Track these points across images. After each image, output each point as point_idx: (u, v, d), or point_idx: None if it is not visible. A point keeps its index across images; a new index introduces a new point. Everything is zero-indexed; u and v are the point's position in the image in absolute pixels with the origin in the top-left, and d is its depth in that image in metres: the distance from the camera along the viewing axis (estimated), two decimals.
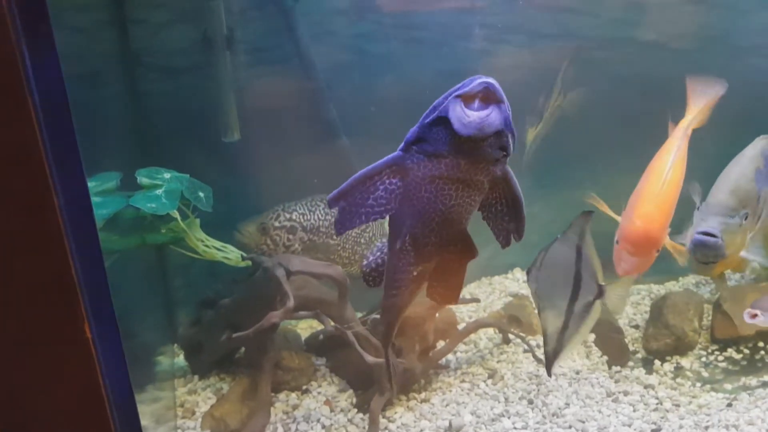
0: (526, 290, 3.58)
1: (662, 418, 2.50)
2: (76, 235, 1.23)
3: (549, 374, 2.44)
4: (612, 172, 2.81)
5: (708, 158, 2.39)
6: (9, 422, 1.22)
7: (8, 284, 1.14)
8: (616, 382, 2.78)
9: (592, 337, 3.10)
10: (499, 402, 2.64)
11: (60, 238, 1.21)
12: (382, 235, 3.01)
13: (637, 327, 3.21)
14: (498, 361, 2.93)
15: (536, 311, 2.95)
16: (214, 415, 2.51)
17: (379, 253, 1.74)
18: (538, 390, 2.70)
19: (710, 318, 3.05)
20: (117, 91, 2.77)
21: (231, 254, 2.60)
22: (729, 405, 2.57)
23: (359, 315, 2.78)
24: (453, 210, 1.45)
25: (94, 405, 1.32)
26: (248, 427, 2.47)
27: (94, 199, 2.02)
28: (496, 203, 1.52)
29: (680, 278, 3.55)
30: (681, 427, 2.42)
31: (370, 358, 2.49)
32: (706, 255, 1.95)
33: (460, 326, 3.02)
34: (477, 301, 3.00)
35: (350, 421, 2.56)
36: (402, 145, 1.45)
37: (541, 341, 3.03)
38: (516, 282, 3.73)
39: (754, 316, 2.20)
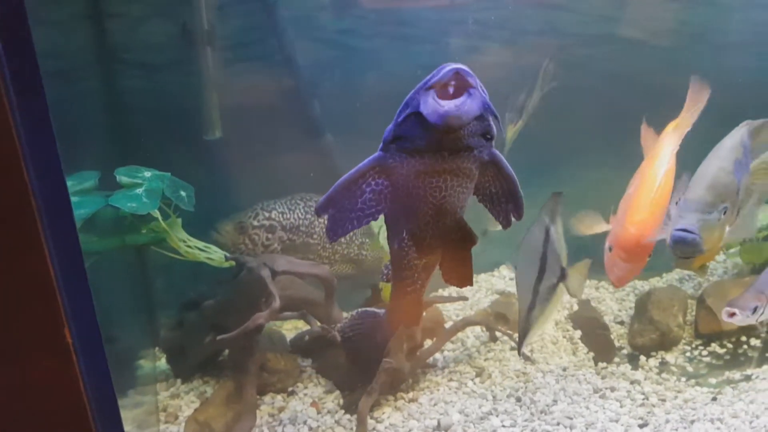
0: (512, 288, 3.58)
1: (649, 413, 2.51)
2: (54, 237, 1.19)
3: (519, 353, 2.56)
4: (598, 170, 2.82)
5: (690, 157, 2.41)
6: None
7: None
8: (603, 378, 2.78)
9: (578, 333, 3.12)
10: (487, 400, 2.63)
11: (38, 240, 1.17)
12: (362, 233, 2.98)
13: (622, 323, 3.23)
14: (485, 359, 2.92)
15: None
16: (198, 420, 2.45)
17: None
18: (526, 387, 2.70)
19: (694, 313, 3.07)
20: (94, 87, 2.69)
21: (214, 255, 2.55)
22: (714, 399, 2.59)
23: (346, 315, 2.75)
24: (445, 201, 1.43)
25: (76, 412, 1.29)
26: (233, 430, 2.42)
27: (72, 199, 1.96)
28: (490, 186, 1.51)
29: (664, 274, 3.58)
30: (667, 421, 2.43)
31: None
32: (685, 251, 1.93)
33: (447, 325, 3.01)
34: (465, 299, 2.99)
35: (337, 422, 2.52)
36: (381, 144, 1.42)
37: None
38: (502, 279, 3.73)
39: (732, 314, 2.22)
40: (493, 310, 3.08)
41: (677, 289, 3.18)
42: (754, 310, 2.22)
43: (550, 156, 3.21)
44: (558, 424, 2.45)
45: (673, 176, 2.25)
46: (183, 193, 2.36)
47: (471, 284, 1.60)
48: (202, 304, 2.64)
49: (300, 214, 2.85)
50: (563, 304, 3.40)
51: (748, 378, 2.73)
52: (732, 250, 3.24)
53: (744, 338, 2.93)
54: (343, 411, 2.58)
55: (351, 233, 2.96)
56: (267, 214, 2.80)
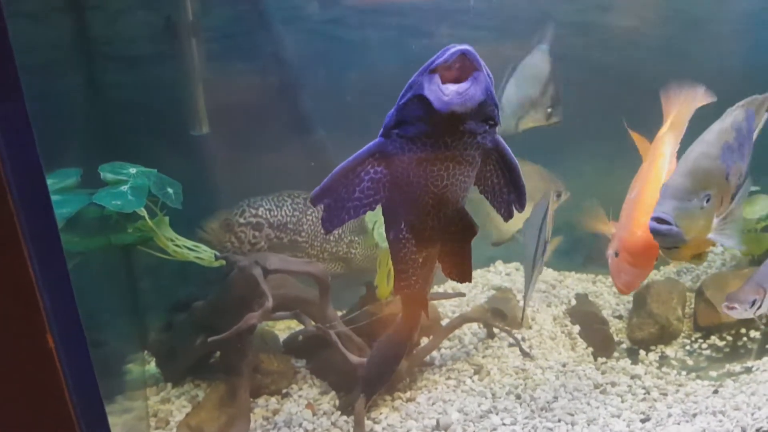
0: (509, 283, 3.55)
1: (650, 407, 2.48)
2: (34, 238, 1.15)
3: (524, 307, 2.77)
4: (592, 162, 2.78)
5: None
6: None
7: None
8: (603, 373, 2.75)
9: (577, 328, 3.09)
10: (486, 398, 2.58)
11: (17, 241, 1.11)
12: (351, 231, 2.92)
13: (620, 317, 3.20)
14: (483, 356, 2.88)
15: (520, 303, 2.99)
16: (190, 424, 2.38)
17: None
18: (526, 384, 2.66)
19: (693, 306, 3.06)
20: (74, 82, 2.59)
21: (203, 254, 2.47)
22: (715, 392, 2.57)
23: (340, 314, 2.69)
24: (447, 190, 1.38)
25: (61, 420, 1.25)
26: None
27: (54, 198, 1.87)
28: (492, 175, 1.46)
29: (661, 267, 3.55)
30: (669, 415, 2.41)
31: (353, 359, 2.40)
32: (664, 241, 1.84)
33: (444, 322, 2.97)
34: (462, 295, 2.94)
35: (334, 424, 2.47)
36: (381, 130, 1.37)
37: (526, 335, 3.02)
38: (498, 275, 3.69)
39: (732, 308, 2.19)
40: (490, 306, 3.04)
41: (676, 282, 3.16)
42: (753, 303, 2.19)
43: (542, 147, 3.16)
44: (559, 421, 2.41)
45: None
46: (170, 190, 2.27)
47: (470, 280, 1.54)
48: (192, 305, 2.58)
49: (287, 212, 2.78)
50: (560, 299, 3.38)
51: (748, 370, 2.72)
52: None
53: (744, 330, 2.91)
54: (339, 412, 2.53)
55: (339, 231, 2.94)
56: (254, 212, 2.74)
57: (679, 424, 2.34)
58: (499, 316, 2.99)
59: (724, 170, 1.83)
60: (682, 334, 2.99)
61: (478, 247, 1.58)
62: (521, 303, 3.02)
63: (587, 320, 3.04)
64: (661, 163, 2.21)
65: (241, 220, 2.72)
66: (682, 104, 2.25)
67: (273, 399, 2.62)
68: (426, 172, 1.35)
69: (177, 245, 2.40)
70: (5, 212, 1.08)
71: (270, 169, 2.85)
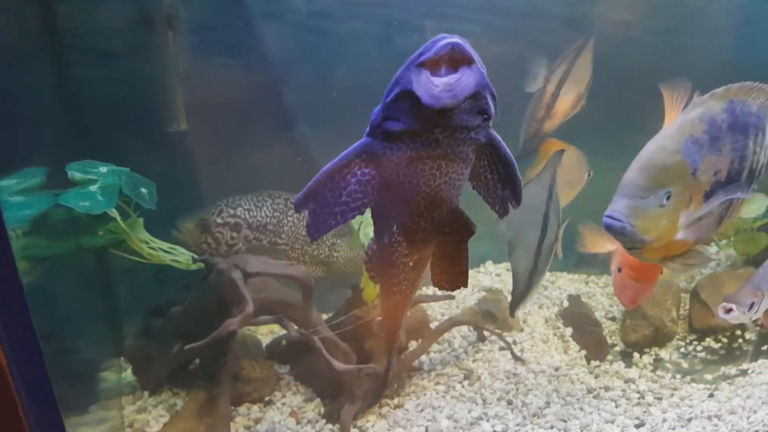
0: (499, 284, 3.48)
1: (645, 412, 2.42)
2: None
3: (512, 315, 2.49)
4: (590, 158, 2.71)
5: None
6: None
7: None
8: (596, 377, 2.70)
9: (570, 331, 3.04)
10: (476, 404, 2.51)
11: None
12: (333, 233, 2.84)
13: (614, 319, 3.16)
14: (474, 361, 2.81)
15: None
16: None
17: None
18: (517, 389, 2.59)
19: (687, 307, 3.02)
20: (44, 77, 2.47)
21: (180, 256, 2.37)
22: (710, 395, 2.52)
23: (325, 317, 2.60)
24: (440, 189, 1.30)
25: None
26: None
27: (15, 199, 1.76)
28: (486, 171, 1.38)
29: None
30: (664, 420, 2.36)
31: (338, 365, 2.30)
32: (620, 240, 1.68)
33: (433, 325, 2.89)
34: (451, 297, 2.86)
35: None
36: (368, 129, 1.27)
37: (518, 338, 2.94)
38: (489, 276, 3.63)
39: (729, 310, 2.12)
40: (480, 309, 2.99)
41: (670, 283, 3.10)
42: (750, 306, 2.13)
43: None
44: (552, 427, 2.36)
45: None
46: (144, 190, 2.17)
47: (465, 285, 1.45)
48: (169, 310, 2.48)
49: (267, 212, 2.69)
50: (553, 300, 3.31)
51: (744, 373, 2.68)
52: (724, 242, 3.16)
53: (739, 332, 2.87)
54: (324, 420, 2.44)
55: None
56: (232, 212, 2.64)
57: (674, 429, 2.29)
58: (490, 318, 2.92)
59: (687, 166, 1.64)
60: (677, 336, 2.94)
61: (469, 246, 1.50)
62: (520, 312, 2.91)
63: (580, 322, 2.99)
64: None
65: (219, 221, 2.62)
66: (683, 100, 2.16)
67: (255, 407, 2.54)
68: (417, 172, 1.27)
69: (152, 248, 2.30)
70: None
71: (250, 168, 2.76)
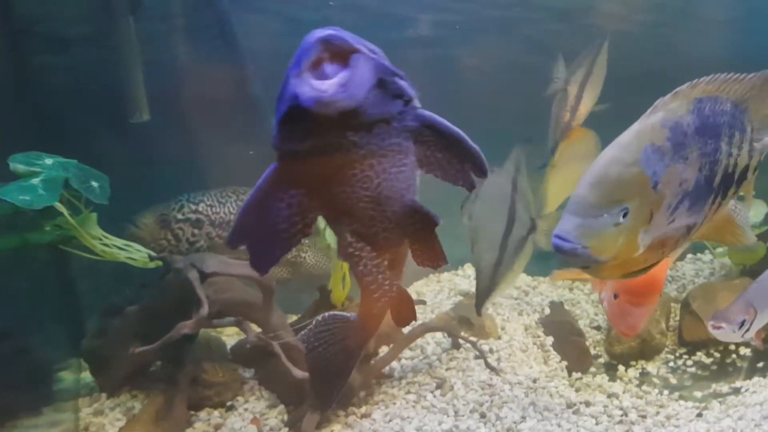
0: None
1: (627, 431, 2.30)
2: None
3: (478, 313, 2.37)
4: None
5: None
6: None
7: None
8: (577, 390, 2.59)
9: (550, 340, 2.93)
10: (448, 416, 2.41)
11: None
12: None
13: (598, 328, 3.05)
14: (447, 369, 2.70)
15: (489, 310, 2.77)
16: None
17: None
18: (492, 401, 2.48)
19: (678, 319, 2.91)
20: None
21: (136, 254, 2.27)
22: (699, 415, 2.40)
23: (294, 319, 2.50)
24: (383, 188, 1.17)
25: None
26: None
27: None
28: (433, 152, 1.23)
29: None
30: None
31: (298, 372, 2.19)
32: (573, 263, 1.47)
33: (405, 330, 2.75)
34: (422, 303, 2.75)
35: None
36: (276, 153, 1.14)
37: (494, 345, 2.83)
38: (467, 279, 3.53)
39: (718, 327, 1.99)
40: (456, 314, 2.87)
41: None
42: (741, 324, 1.98)
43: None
44: None
45: None
46: (95, 184, 2.07)
47: (445, 262, 1.33)
48: (125, 309, 2.39)
49: (231, 209, 2.61)
50: (533, 307, 3.18)
51: (736, 391, 2.56)
52: (719, 250, 3.03)
53: (733, 347, 2.76)
54: (287, 429, 2.34)
55: None
56: (193, 207, 2.56)
57: None
58: (466, 324, 2.82)
59: (646, 178, 1.43)
60: (666, 349, 2.84)
61: (447, 248, 1.39)
62: (489, 310, 2.79)
63: (562, 331, 2.89)
64: None
65: (179, 216, 2.55)
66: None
67: (216, 412, 2.45)
68: (348, 179, 1.14)
69: (105, 244, 2.19)
70: None
71: (216, 161, 2.66)
